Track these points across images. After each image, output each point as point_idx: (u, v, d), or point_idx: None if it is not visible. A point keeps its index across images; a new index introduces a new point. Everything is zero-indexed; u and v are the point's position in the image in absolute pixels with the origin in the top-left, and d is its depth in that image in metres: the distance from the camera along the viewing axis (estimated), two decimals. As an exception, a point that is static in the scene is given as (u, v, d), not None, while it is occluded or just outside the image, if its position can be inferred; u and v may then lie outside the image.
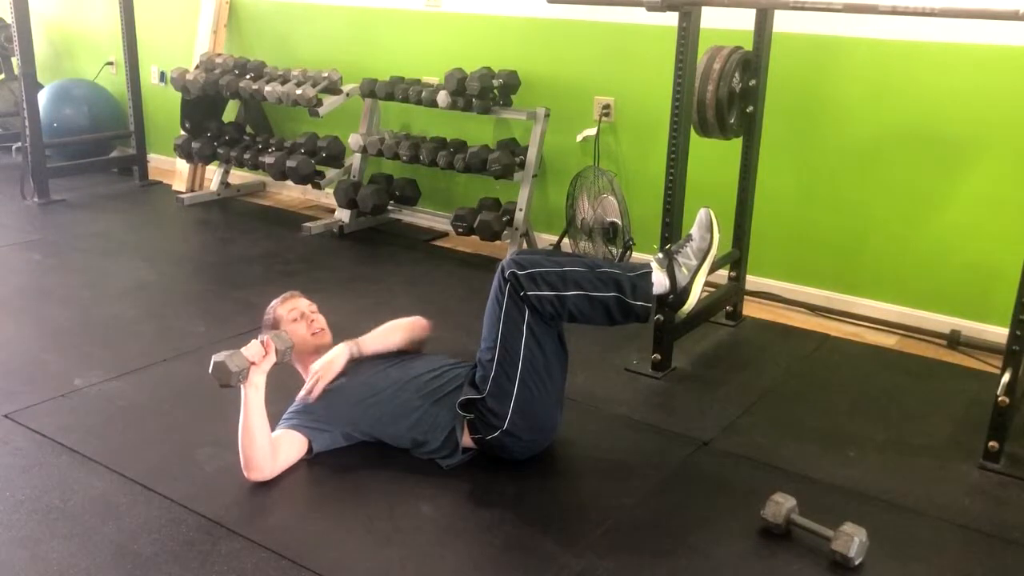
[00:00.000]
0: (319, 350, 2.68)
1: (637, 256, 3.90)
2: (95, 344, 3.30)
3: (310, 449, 2.51)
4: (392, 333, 2.77)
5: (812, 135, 3.70)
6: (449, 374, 2.58)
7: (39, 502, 2.33)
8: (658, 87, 3.77)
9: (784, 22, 3.38)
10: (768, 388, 3.08)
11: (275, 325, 2.71)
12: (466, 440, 2.50)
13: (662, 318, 3.05)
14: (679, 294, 2.54)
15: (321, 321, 2.74)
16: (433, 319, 2.90)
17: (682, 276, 2.52)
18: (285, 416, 2.56)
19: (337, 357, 2.60)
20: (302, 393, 2.57)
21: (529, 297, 2.39)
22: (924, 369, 3.27)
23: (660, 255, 2.55)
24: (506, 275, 2.41)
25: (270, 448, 2.42)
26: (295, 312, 2.72)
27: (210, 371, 2.36)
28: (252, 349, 2.41)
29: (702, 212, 2.58)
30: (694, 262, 2.54)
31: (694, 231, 2.57)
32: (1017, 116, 3.25)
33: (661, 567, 2.15)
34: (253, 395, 2.39)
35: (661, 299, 2.58)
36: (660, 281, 2.51)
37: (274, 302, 2.79)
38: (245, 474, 2.42)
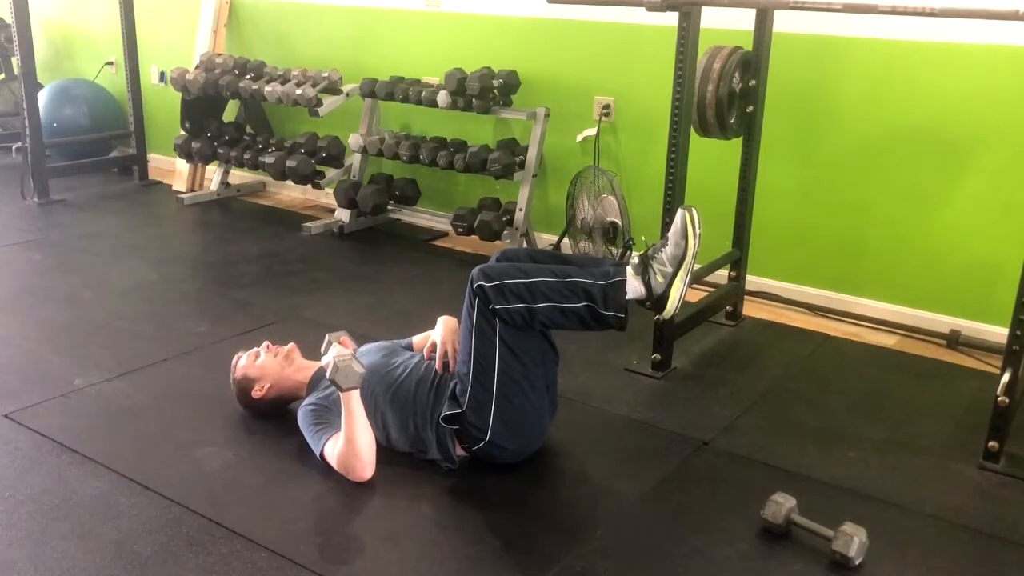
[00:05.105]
0: (294, 362, 2.72)
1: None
2: (95, 344, 3.30)
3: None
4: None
5: (812, 135, 3.70)
6: (441, 379, 2.56)
7: (39, 502, 2.33)
8: (658, 87, 3.77)
9: (784, 22, 3.38)
10: (768, 388, 3.08)
11: (245, 380, 2.71)
12: (458, 449, 2.50)
13: (662, 319, 3.05)
14: (656, 301, 2.44)
15: (280, 349, 2.76)
16: (432, 319, 2.89)
17: (657, 284, 2.42)
18: (315, 423, 2.52)
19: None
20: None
21: (498, 311, 2.36)
22: (924, 369, 3.27)
23: (636, 261, 2.46)
24: (474, 287, 2.37)
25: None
26: (251, 355, 2.74)
27: (330, 374, 2.34)
28: (342, 349, 2.40)
29: (678, 216, 2.44)
30: (669, 269, 2.42)
31: (669, 235, 2.46)
32: (1017, 116, 3.25)
33: (661, 567, 2.15)
34: (357, 395, 2.39)
35: (640, 304, 2.47)
36: (635, 288, 2.42)
37: (232, 372, 2.75)
38: (356, 474, 2.40)
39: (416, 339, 2.81)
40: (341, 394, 2.37)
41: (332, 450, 2.43)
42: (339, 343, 2.48)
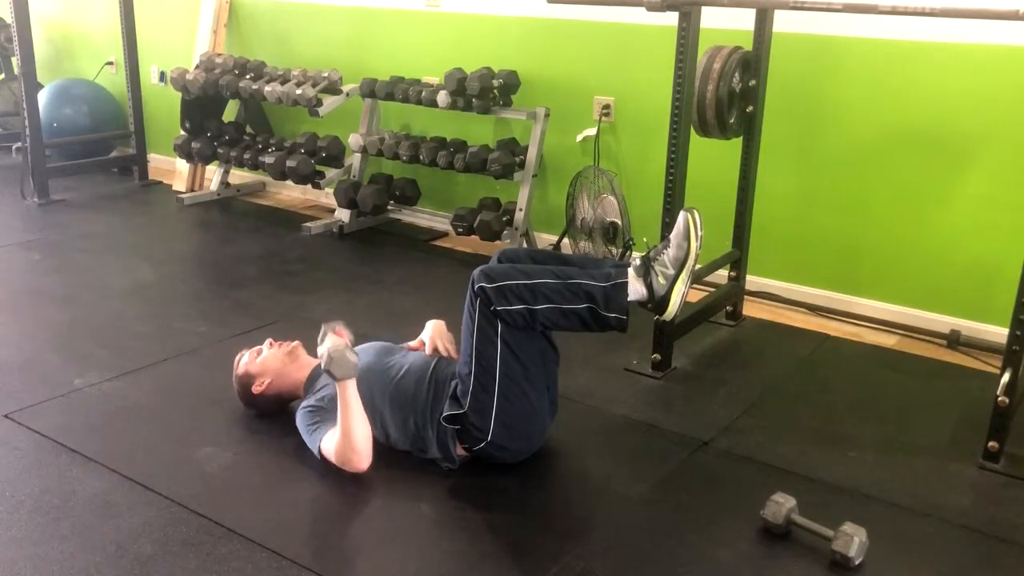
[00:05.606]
0: (298, 359, 2.73)
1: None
2: (95, 344, 3.29)
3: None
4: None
5: (812, 135, 3.70)
6: (440, 375, 2.56)
7: (39, 502, 2.33)
8: (658, 87, 3.77)
9: (784, 22, 3.38)
10: (768, 388, 3.07)
11: (246, 376, 2.71)
12: (458, 449, 2.50)
13: (663, 320, 3.04)
14: (658, 303, 2.44)
15: (284, 344, 2.77)
16: (432, 319, 2.89)
17: (659, 286, 2.42)
18: (311, 423, 2.52)
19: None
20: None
21: (499, 312, 2.36)
22: (924, 369, 3.27)
23: (638, 262, 2.45)
24: (476, 289, 2.38)
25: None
26: (254, 352, 2.75)
27: (325, 365, 2.33)
28: (337, 339, 2.39)
29: (680, 217, 2.44)
30: (671, 271, 2.42)
31: (671, 237, 2.46)
32: (1017, 116, 3.25)
33: (661, 567, 2.15)
34: (354, 385, 2.39)
35: (642, 306, 2.48)
36: (637, 290, 2.42)
37: (235, 369, 2.76)
38: (352, 466, 2.40)
39: (412, 344, 2.81)
40: (337, 384, 2.37)
41: (329, 444, 2.43)
42: (335, 332, 2.47)
